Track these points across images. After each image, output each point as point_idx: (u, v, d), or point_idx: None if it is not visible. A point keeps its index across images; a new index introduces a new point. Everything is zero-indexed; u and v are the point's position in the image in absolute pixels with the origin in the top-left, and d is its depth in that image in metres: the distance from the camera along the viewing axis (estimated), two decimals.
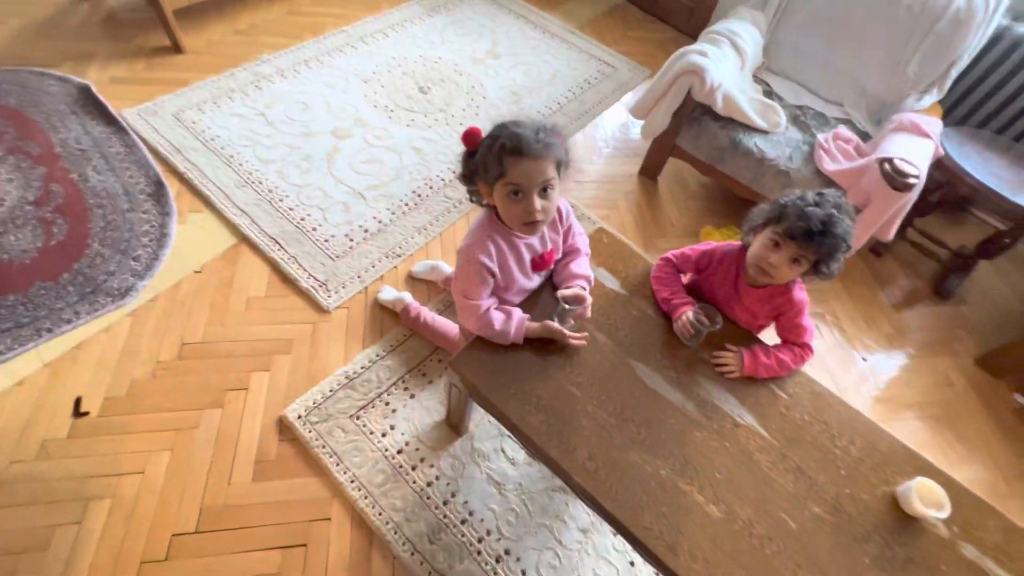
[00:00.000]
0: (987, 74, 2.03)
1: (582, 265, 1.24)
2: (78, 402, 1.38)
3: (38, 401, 1.37)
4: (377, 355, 1.57)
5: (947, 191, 1.98)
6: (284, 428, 1.42)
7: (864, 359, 1.86)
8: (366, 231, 1.85)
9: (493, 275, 1.10)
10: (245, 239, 1.76)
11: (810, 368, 1.23)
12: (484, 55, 2.61)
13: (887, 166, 1.61)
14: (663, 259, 1.29)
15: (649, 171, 2.24)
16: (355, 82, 2.34)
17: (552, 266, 1.22)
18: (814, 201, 1.03)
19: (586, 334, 1.15)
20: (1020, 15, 1.96)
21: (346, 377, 1.51)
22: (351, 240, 1.81)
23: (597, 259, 1.32)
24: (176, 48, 2.30)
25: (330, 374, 1.52)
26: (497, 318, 1.11)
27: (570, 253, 1.26)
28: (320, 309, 1.65)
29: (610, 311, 1.24)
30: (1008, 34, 1.93)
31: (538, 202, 0.98)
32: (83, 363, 1.45)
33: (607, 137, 2.42)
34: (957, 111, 2.14)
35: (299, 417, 1.42)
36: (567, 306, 1.11)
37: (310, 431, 1.40)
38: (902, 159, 1.61)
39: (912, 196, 1.65)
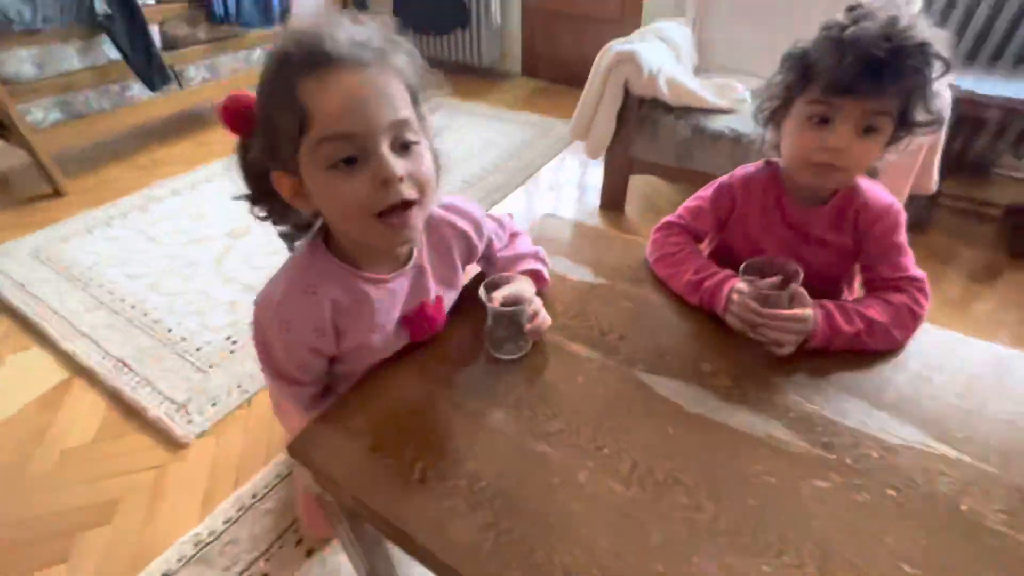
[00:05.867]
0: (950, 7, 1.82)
1: (525, 244, 0.79)
2: None
3: None
4: (253, 496, 0.97)
5: (969, 134, 1.63)
6: None
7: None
8: None
9: (320, 354, 0.62)
10: (82, 370, 1.26)
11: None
12: None
13: None
14: (664, 225, 0.82)
15: (612, 202, 1.88)
16: None
17: (439, 331, 0.69)
18: (853, 19, 0.61)
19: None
20: None
21: (195, 544, 0.90)
22: (233, 343, 1.32)
23: (548, 251, 0.85)
24: (56, 192, 2.04)
25: (171, 544, 0.91)
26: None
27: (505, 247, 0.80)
28: (173, 443, 1.08)
29: (585, 310, 0.73)
30: None
31: (394, 161, 0.50)
32: None
33: (556, 184, 2.11)
34: None
35: None
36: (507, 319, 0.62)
37: None
38: None
39: (943, 127, 1.27)
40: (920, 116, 0.60)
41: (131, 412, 1.15)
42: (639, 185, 1.97)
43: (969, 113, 1.49)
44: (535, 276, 0.74)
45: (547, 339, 0.68)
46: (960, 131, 1.62)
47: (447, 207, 0.70)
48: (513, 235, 0.80)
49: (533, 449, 0.55)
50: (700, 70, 1.90)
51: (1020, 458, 0.53)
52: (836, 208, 0.70)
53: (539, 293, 0.74)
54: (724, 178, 0.79)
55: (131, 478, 1.03)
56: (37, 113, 1.94)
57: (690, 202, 0.82)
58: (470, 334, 0.69)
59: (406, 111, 0.52)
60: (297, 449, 0.55)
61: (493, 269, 0.77)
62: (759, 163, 0.77)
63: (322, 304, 0.58)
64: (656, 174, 1.72)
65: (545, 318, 0.67)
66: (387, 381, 0.63)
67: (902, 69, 0.57)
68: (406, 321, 0.65)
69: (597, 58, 1.57)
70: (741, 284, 0.67)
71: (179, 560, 0.88)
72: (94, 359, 1.27)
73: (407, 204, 0.52)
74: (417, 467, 0.53)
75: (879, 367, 0.63)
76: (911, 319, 0.65)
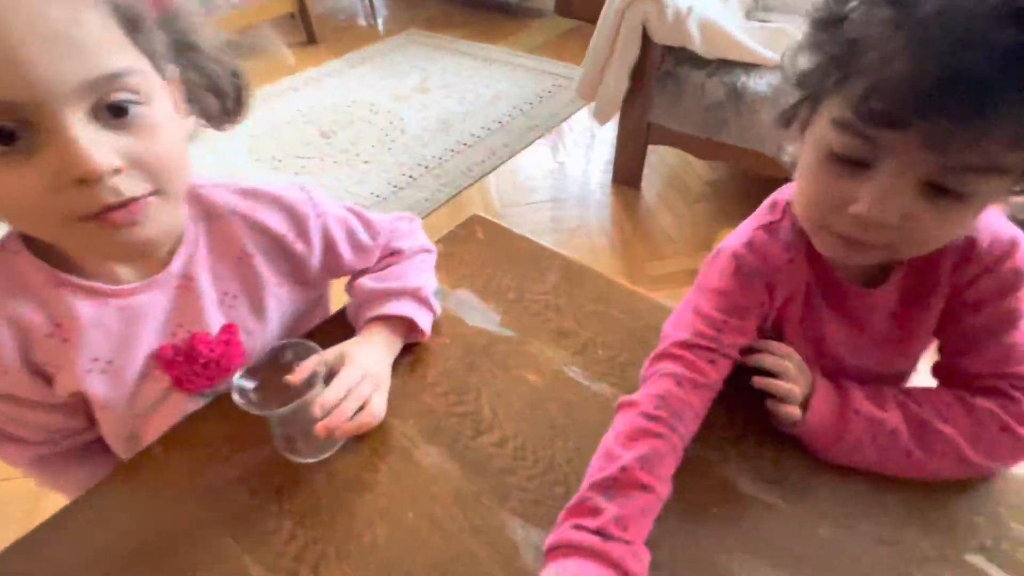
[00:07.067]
0: None
1: (408, 271, 0.53)
2: None
3: None
4: None
5: None
6: None
7: None
8: None
9: (17, 401, 0.42)
10: None
11: None
12: (410, 91, 2.14)
13: None
14: (669, 351, 0.41)
15: (626, 176, 1.56)
16: (242, 138, 1.88)
17: (230, 373, 0.45)
18: None
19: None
20: None
21: None
22: None
23: (454, 277, 0.60)
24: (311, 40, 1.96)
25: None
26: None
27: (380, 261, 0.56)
28: None
29: (467, 383, 0.49)
30: None
31: (94, 143, 0.28)
32: None
33: (568, 148, 1.80)
34: None
35: None
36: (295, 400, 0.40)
37: None
38: None
39: None
40: None
41: None
42: (665, 155, 1.63)
43: None
44: (405, 327, 0.50)
45: (389, 426, 0.45)
46: None
47: (245, 192, 0.46)
48: (394, 253, 0.55)
49: None
50: (755, 11, 1.49)
51: None
52: (916, 271, 0.40)
53: (409, 347, 0.51)
54: (735, 247, 0.42)
55: None
56: None
57: (706, 301, 0.42)
58: None
59: (117, 57, 0.30)
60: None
61: (352, 300, 0.54)
62: (768, 205, 0.44)
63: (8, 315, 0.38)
64: (680, 147, 1.38)
65: (371, 415, 0.43)
66: (138, 479, 0.42)
67: None
68: (164, 361, 0.43)
69: None
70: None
71: None
72: None
73: (118, 206, 0.31)
74: None
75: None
76: (1006, 440, 0.37)
